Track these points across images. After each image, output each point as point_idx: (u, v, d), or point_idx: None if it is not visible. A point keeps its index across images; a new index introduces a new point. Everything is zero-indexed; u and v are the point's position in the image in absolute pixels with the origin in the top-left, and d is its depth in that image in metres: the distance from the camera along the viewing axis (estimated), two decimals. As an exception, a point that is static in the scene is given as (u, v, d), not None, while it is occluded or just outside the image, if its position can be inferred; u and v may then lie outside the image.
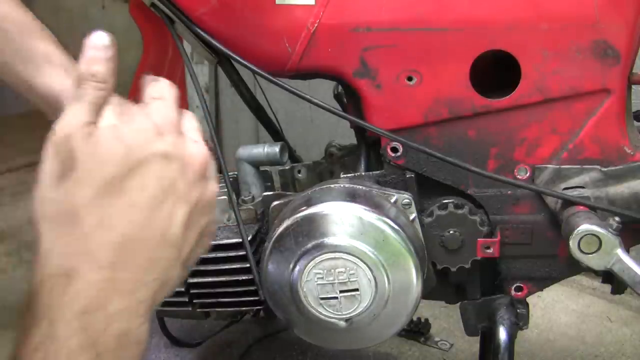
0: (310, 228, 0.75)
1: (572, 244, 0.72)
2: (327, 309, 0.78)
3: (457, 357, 1.49)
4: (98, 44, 0.54)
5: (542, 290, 0.89)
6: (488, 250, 0.83)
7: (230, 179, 0.89)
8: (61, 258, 0.46)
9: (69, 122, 0.48)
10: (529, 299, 0.90)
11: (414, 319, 1.50)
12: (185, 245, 0.51)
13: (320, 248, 0.75)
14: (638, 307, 1.68)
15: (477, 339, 1.01)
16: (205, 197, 0.52)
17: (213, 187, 0.53)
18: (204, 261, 0.90)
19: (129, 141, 0.48)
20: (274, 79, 0.81)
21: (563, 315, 1.67)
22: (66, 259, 0.46)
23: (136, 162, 0.48)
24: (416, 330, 1.49)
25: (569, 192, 0.80)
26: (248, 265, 0.85)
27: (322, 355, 1.39)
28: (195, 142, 0.52)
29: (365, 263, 0.74)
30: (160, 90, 0.55)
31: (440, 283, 0.88)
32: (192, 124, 0.55)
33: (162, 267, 0.49)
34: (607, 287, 0.88)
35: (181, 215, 0.50)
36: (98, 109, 0.50)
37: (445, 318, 1.61)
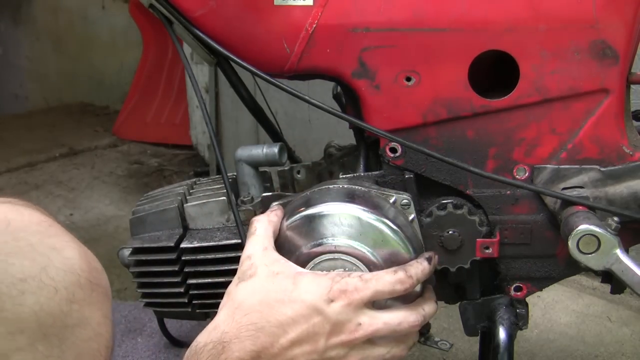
0: (309, 229, 0.75)
1: (571, 244, 0.72)
2: (326, 309, 0.78)
3: (457, 357, 1.50)
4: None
5: (541, 290, 0.89)
6: (487, 251, 0.83)
7: (230, 180, 0.89)
8: (224, 333, 0.65)
9: (252, 245, 0.73)
10: (529, 299, 0.90)
11: (414, 319, 1.50)
12: None
13: (319, 249, 0.75)
14: (638, 307, 1.68)
15: (477, 339, 1.01)
16: None
17: (354, 357, 0.68)
18: (203, 262, 0.90)
19: (301, 282, 0.67)
20: (272, 80, 0.81)
21: (563, 315, 1.67)
22: (226, 335, 0.65)
23: (298, 301, 0.66)
24: (416, 330, 1.49)
25: (568, 192, 0.80)
26: (247, 265, 0.85)
27: None
28: (358, 323, 0.67)
29: (364, 264, 0.74)
30: (384, 278, 0.70)
31: (439, 283, 0.88)
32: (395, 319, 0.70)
33: None
34: (607, 287, 0.88)
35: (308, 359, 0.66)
36: (269, 239, 0.73)
37: (445, 318, 1.61)
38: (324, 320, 0.66)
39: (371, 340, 0.69)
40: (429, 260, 0.73)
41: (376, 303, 0.71)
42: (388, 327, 0.69)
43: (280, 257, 0.73)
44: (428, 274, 0.73)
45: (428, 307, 0.73)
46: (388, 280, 0.69)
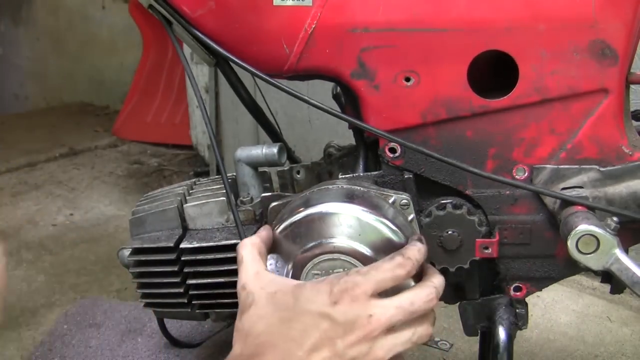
0: (309, 229, 0.75)
1: (570, 244, 0.72)
2: (326, 309, 0.78)
3: (457, 357, 1.50)
4: None
5: (541, 290, 0.89)
6: (486, 251, 0.83)
7: (229, 180, 0.89)
8: (242, 354, 0.67)
9: (243, 273, 0.72)
10: (529, 299, 0.90)
11: (414, 319, 1.50)
12: None
13: (319, 249, 0.75)
14: (638, 307, 1.68)
15: (477, 339, 1.01)
16: (367, 357, 0.66)
17: (381, 350, 0.66)
18: (202, 262, 0.90)
19: (301, 295, 0.67)
20: (272, 80, 0.81)
21: (563, 315, 1.67)
22: (244, 355, 0.66)
23: (303, 313, 0.66)
24: (416, 330, 1.49)
25: (567, 192, 0.79)
26: (247, 266, 0.85)
27: None
28: (369, 315, 0.65)
29: (363, 264, 0.74)
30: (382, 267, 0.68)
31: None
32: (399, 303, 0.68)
33: None
34: (607, 287, 0.88)
35: None
36: (258, 262, 0.72)
37: (445, 318, 1.61)
38: (334, 324, 0.65)
39: (391, 328, 0.67)
40: (420, 240, 0.72)
41: (384, 293, 0.69)
42: (401, 309, 0.67)
43: (274, 275, 0.72)
44: (425, 253, 0.71)
45: (436, 280, 0.71)
46: (387, 267, 0.68)
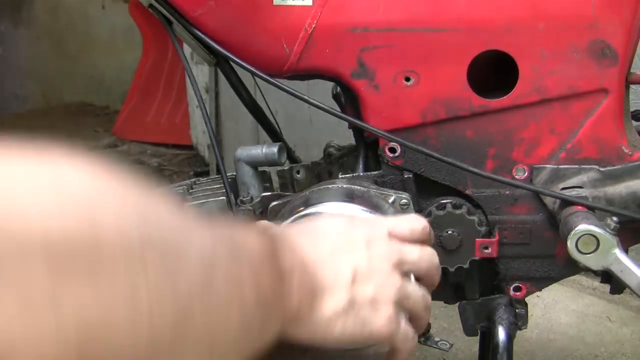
0: None
1: (570, 244, 0.72)
2: (326, 309, 0.78)
3: (457, 357, 1.50)
4: None
5: (540, 290, 0.89)
6: (486, 251, 0.83)
7: (229, 180, 0.89)
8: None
9: None
10: (529, 299, 0.90)
11: (414, 319, 1.51)
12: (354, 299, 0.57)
13: None
14: (638, 307, 1.68)
15: (477, 339, 1.01)
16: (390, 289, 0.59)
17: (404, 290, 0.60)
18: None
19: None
20: (272, 80, 0.81)
21: (563, 315, 1.67)
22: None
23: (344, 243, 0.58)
24: (416, 330, 1.49)
25: (567, 192, 0.80)
26: (246, 265, 0.85)
27: (322, 355, 1.39)
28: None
29: (363, 263, 0.74)
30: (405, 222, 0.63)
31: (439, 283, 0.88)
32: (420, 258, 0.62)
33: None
34: (607, 287, 0.88)
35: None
36: None
37: (445, 318, 1.61)
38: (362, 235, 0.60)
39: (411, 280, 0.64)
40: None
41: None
42: (422, 256, 0.63)
43: None
44: (433, 236, 0.67)
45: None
46: (403, 218, 0.65)
